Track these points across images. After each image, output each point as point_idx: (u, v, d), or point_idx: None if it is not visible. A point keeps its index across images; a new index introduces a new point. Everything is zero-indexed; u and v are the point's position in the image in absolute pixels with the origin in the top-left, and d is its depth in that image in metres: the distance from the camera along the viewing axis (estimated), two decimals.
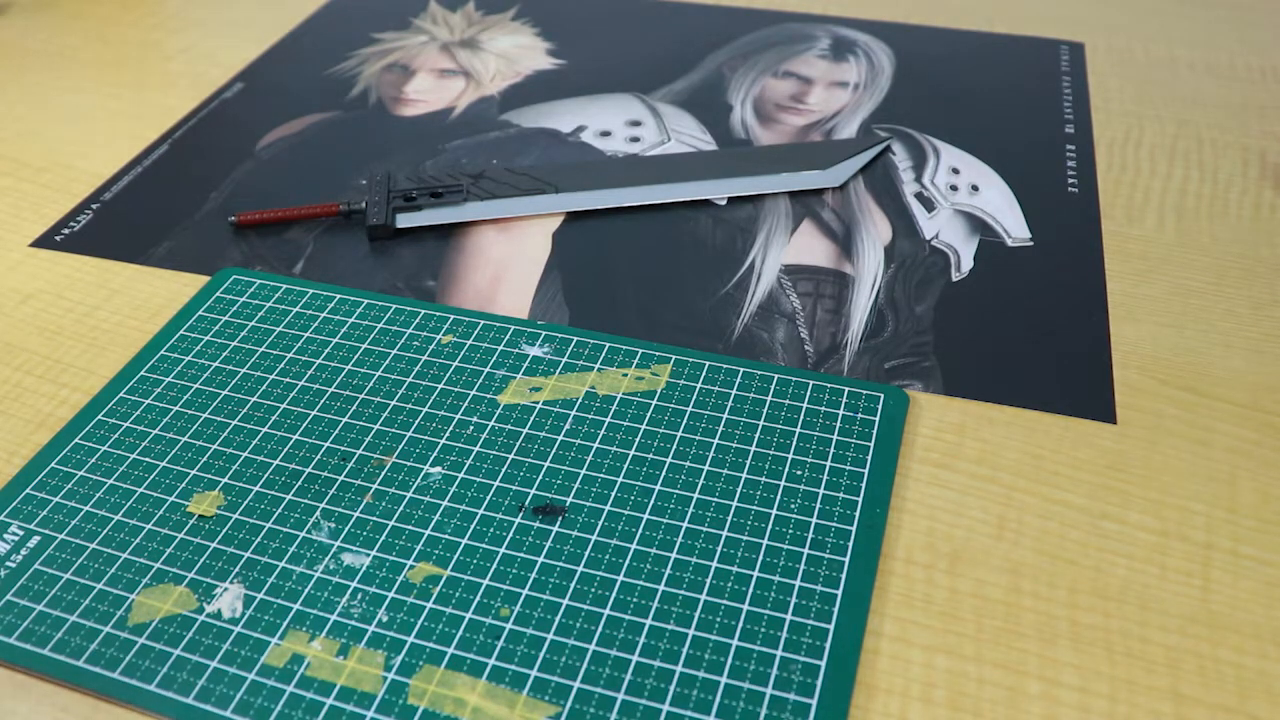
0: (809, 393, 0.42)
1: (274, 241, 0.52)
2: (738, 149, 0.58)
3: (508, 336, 0.45)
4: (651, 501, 0.38)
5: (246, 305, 0.48)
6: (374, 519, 0.38)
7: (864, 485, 0.39)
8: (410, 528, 0.38)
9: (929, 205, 0.53)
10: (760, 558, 0.36)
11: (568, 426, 0.41)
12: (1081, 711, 0.33)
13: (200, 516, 0.38)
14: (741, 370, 0.43)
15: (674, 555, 0.36)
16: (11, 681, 0.34)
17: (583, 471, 0.40)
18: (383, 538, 0.37)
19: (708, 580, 0.36)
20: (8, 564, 0.37)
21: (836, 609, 0.35)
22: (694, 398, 0.42)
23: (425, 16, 0.73)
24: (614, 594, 0.35)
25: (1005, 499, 0.39)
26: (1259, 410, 0.42)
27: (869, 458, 0.40)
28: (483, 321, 0.46)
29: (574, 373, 0.44)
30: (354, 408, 0.43)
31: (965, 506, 0.39)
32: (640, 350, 0.45)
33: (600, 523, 0.38)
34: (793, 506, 0.38)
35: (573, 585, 0.36)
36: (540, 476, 0.39)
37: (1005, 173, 0.56)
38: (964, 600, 0.36)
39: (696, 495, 0.38)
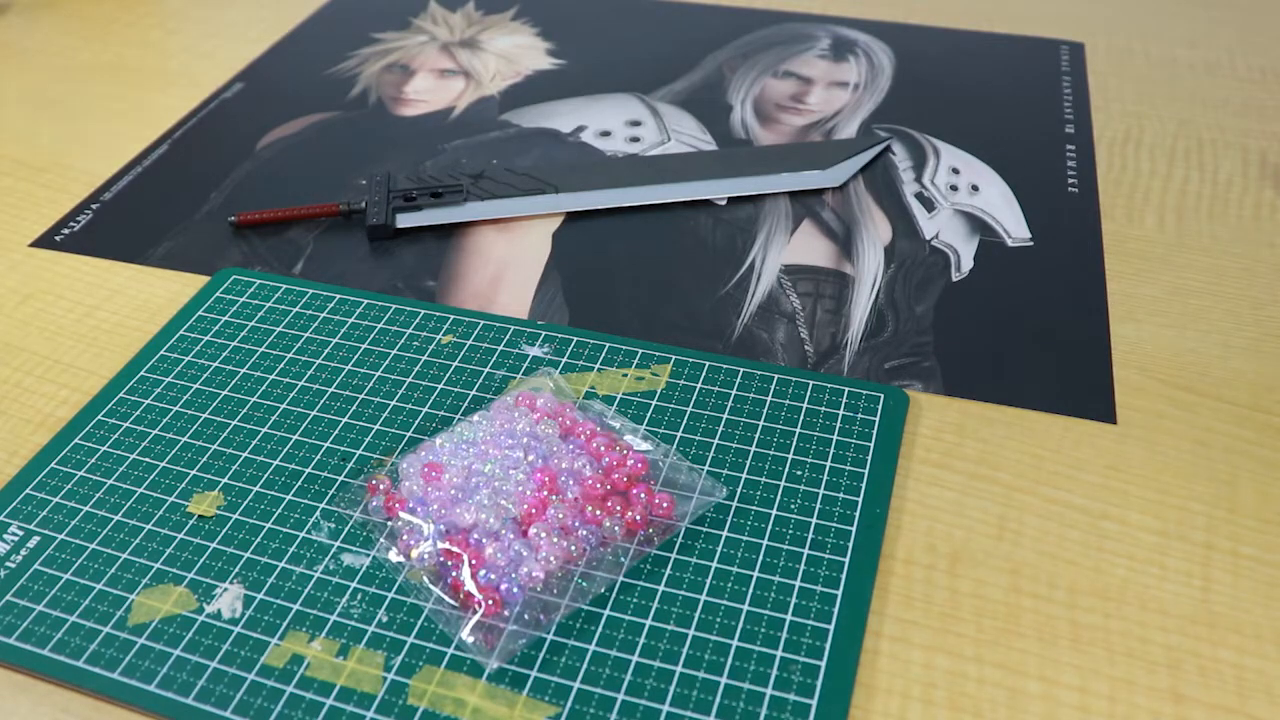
0: (809, 393, 0.42)
1: (274, 241, 0.52)
2: (738, 149, 0.58)
3: (508, 336, 0.45)
4: None
5: (246, 305, 0.48)
6: (374, 519, 0.38)
7: (864, 485, 0.39)
8: None
9: (929, 205, 0.53)
10: (760, 558, 0.36)
11: None
12: (1081, 711, 0.32)
13: (200, 516, 0.38)
14: (741, 370, 0.43)
15: (674, 555, 0.36)
16: (11, 681, 0.34)
17: None
18: (382, 538, 0.37)
19: (708, 580, 0.36)
20: (8, 564, 0.37)
21: (836, 609, 0.35)
22: (694, 398, 0.42)
23: (425, 16, 0.73)
24: (614, 594, 0.35)
25: (1005, 499, 0.39)
26: (1259, 410, 0.42)
27: (869, 458, 0.40)
28: (483, 321, 0.46)
29: (574, 373, 0.44)
30: (354, 408, 0.43)
31: (965, 506, 0.39)
32: (640, 350, 0.45)
33: None
34: (793, 506, 0.38)
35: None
36: None
37: (1005, 173, 0.56)
38: (964, 600, 0.36)
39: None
